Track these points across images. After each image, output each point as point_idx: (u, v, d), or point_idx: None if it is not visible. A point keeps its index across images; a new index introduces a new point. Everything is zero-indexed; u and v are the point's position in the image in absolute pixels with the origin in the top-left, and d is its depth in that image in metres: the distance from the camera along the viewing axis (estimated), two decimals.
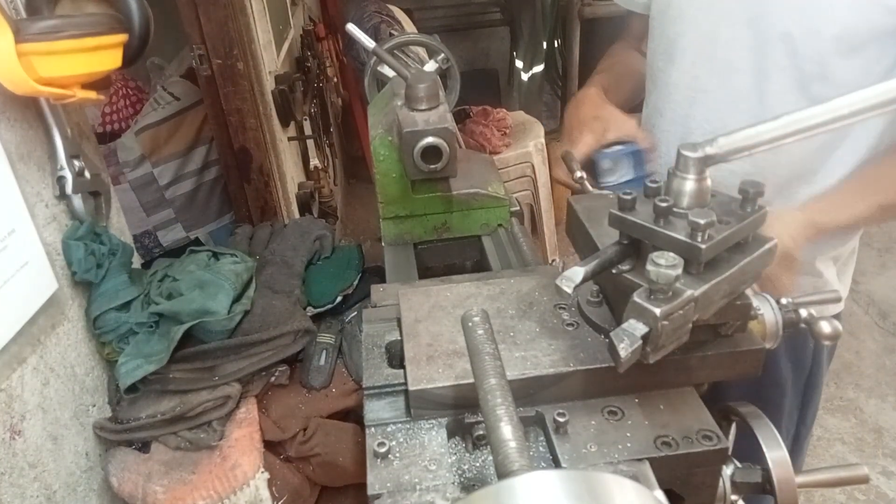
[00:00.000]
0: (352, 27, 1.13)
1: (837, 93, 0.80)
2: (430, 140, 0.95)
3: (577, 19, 3.69)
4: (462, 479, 0.66)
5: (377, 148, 1.07)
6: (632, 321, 0.59)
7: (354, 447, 1.10)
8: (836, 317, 1.35)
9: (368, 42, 1.12)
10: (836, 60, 1.10)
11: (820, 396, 1.48)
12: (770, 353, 1.33)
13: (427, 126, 0.94)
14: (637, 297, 0.59)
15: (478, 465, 0.69)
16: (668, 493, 0.67)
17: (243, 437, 1.05)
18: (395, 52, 1.22)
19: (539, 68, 4.49)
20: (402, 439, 0.70)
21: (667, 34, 1.29)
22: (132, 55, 1.03)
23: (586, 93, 1.35)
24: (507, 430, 0.50)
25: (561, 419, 0.68)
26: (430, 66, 1.22)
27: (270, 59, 2.49)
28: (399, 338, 0.81)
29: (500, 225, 1.16)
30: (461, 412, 0.72)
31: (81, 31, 0.92)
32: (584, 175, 1.23)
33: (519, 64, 4.61)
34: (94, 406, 1.13)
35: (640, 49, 1.53)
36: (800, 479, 0.73)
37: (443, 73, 1.23)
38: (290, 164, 2.64)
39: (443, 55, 1.21)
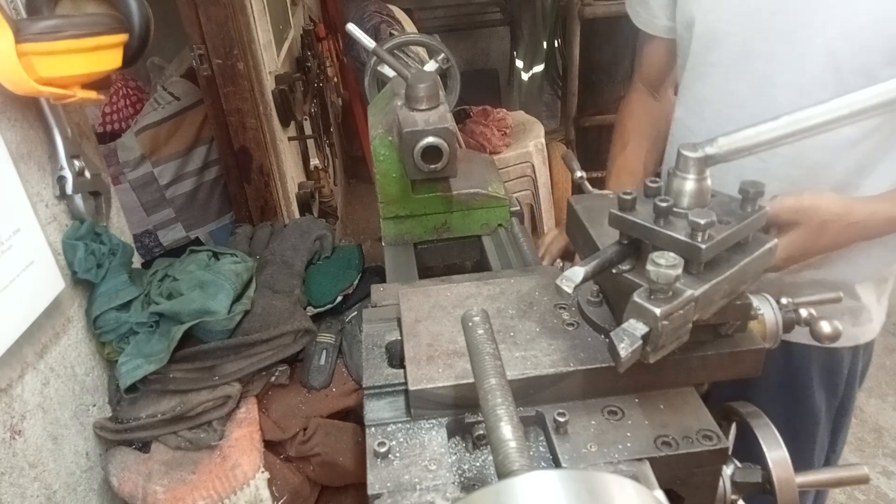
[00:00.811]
0: (352, 27, 1.13)
1: None
2: (430, 140, 0.95)
3: (578, 19, 3.68)
4: (462, 479, 0.67)
5: (377, 148, 1.07)
6: (632, 321, 0.59)
7: (355, 447, 1.10)
8: (870, 344, 1.34)
9: (368, 42, 1.12)
10: (882, 70, 1.05)
11: (850, 422, 1.44)
12: (805, 383, 1.31)
13: (427, 126, 0.94)
14: (637, 297, 0.59)
15: (478, 464, 0.69)
16: (669, 492, 0.67)
17: (243, 436, 1.05)
18: (395, 51, 1.22)
19: (539, 68, 4.49)
20: (402, 439, 0.70)
21: (694, 50, 1.24)
22: (132, 55, 1.03)
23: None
24: (507, 430, 0.50)
25: (561, 419, 0.68)
26: (431, 66, 1.22)
27: (270, 59, 2.49)
28: (399, 338, 0.81)
29: (500, 225, 1.16)
30: (461, 412, 0.72)
31: (81, 31, 0.92)
32: (584, 175, 1.23)
33: (519, 64, 4.61)
34: (95, 406, 1.13)
35: (656, 93, 1.48)
36: (800, 479, 0.73)
37: (443, 73, 1.23)
38: (290, 163, 2.64)
39: (443, 55, 1.21)
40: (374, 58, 1.23)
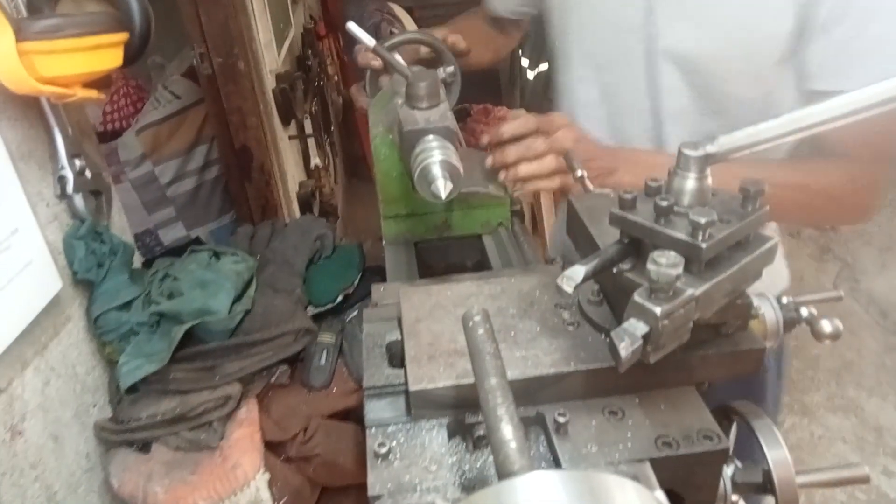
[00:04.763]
0: (352, 26, 1.12)
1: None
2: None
3: None
4: (463, 480, 0.66)
5: (378, 147, 1.06)
6: (632, 320, 0.59)
7: (355, 447, 1.10)
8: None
9: (369, 41, 1.11)
10: (736, 71, 1.13)
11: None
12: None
13: (428, 125, 0.92)
14: (637, 297, 0.59)
15: (478, 465, 0.69)
16: (669, 493, 0.67)
17: (244, 437, 1.05)
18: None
19: (545, 66, 4.47)
20: (402, 440, 0.70)
21: (570, 54, 1.31)
22: (133, 54, 1.03)
23: None
24: (507, 431, 0.50)
25: (561, 419, 0.68)
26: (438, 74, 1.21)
27: (271, 58, 2.49)
28: (400, 337, 0.81)
29: (500, 224, 1.16)
30: (462, 412, 0.71)
31: (82, 30, 0.92)
32: (585, 173, 1.23)
33: (524, 62, 4.59)
34: (95, 406, 1.13)
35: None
36: (801, 479, 0.73)
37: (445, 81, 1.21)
38: (290, 162, 2.64)
39: (452, 68, 1.19)
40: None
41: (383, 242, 1.15)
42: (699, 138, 1.23)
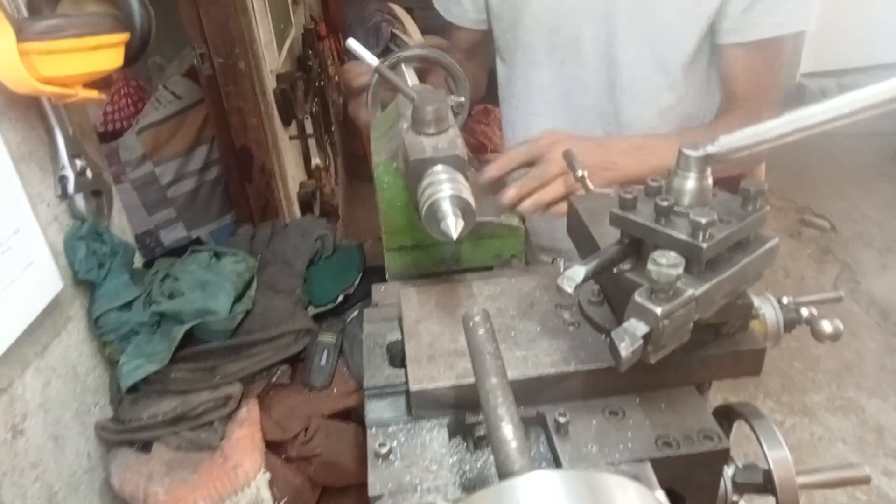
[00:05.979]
0: (353, 43, 1.06)
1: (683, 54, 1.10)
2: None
3: None
4: (463, 480, 0.66)
5: (381, 175, 0.99)
6: (633, 321, 0.59)
7: (356, 447, 1.09)
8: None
9: (371, 59, 1.05)
10: (691, 45, 1.21)
11: None
12: None
13: (436, 153, 0.83)
14: (638, 297, 0.59)
15: (479, 465, 0.69)
16: (669, 493, 0.67)
17: (245, 437, 1.05)
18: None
19: None
20: (403, 440, 0.70)
21: (526, 43, 1.33)
22: (134, 54, 1.03)
23: None
24: (508, 431, 0.50)
25: (562, 419, 0.68)
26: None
27: (272, 58, 2.49)
28: (400, 337, 0.81)
29: (513, 256, 1.08)
30: (462, 412, 0.72)
31: (83, 31, 0.92)
32: (586, 174, 1.23)
33: None
34: (96, 406, 1.13)
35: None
36: (801, 479, 0.73)
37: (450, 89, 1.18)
38: (291, 163, 2.64)
39: (463, 99, 1.15)
40: (377, 75, 1.13)
41: (387, 277, 1.07)
42: (654, 111, 1.28)
